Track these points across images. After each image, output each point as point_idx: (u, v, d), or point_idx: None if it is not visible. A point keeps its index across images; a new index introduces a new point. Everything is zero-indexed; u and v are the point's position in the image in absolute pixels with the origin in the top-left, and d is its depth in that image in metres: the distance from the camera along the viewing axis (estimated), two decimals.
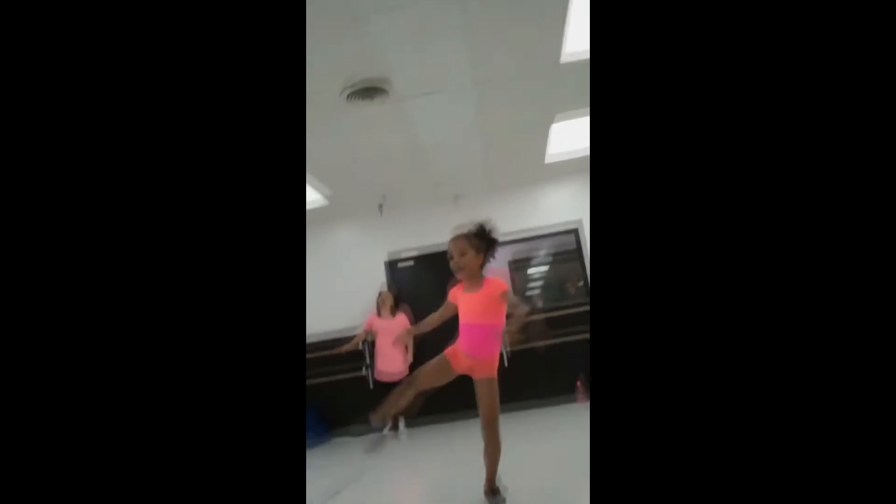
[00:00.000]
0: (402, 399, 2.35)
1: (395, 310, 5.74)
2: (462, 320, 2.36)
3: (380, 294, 5.82)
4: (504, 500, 2.26)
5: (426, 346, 2.57)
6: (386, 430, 5.66)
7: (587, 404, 5.37)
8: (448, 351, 2.35)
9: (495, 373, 2.33)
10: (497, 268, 2.40)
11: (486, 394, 2.29)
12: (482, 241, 2.38)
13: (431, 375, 2.33)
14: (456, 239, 2.37)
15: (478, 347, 2.30)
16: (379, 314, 5.74)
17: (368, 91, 3.69)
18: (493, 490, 2.30)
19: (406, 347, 5.60)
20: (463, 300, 2.35)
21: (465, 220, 2.45)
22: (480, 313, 2.30)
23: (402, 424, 5.67)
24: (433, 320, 2.46)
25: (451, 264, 2.36)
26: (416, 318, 5.78)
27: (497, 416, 2.30)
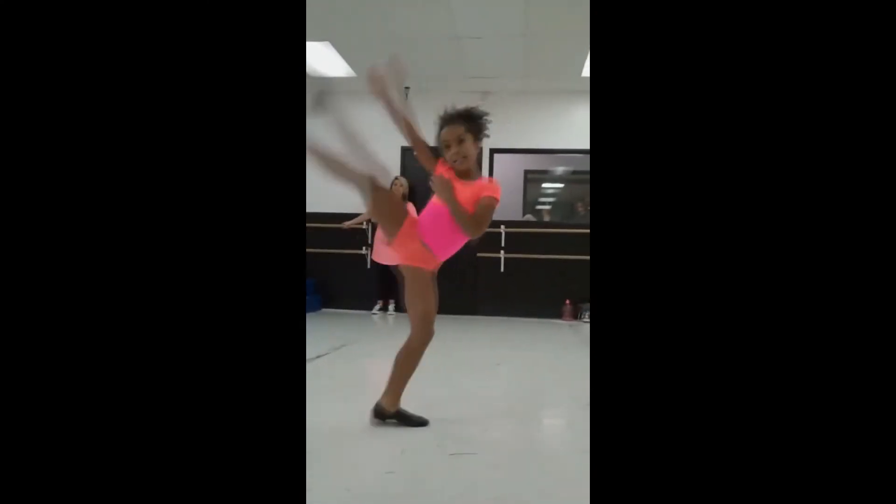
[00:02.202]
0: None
1: (405, 199, 5.74)
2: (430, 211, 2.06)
3: (395, 179, 5.78)
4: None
5: None
6: (376, 309, 5.86)
7: (570, 322, 5.52)
8: (421, 266, 2.01)
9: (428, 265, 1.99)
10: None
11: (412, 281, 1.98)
12: (476, 125, 2.00)
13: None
14: (452, 125, 1.98)
15: (444, 243, 2.01)
16: None
17: None
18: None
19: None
20: (457, 189, 1.95)
21: (490, 116, 2.12)
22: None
23: (392, 307, 5.85)
24: (419, 142, 2.17)
25: (449, 154, 1.98)
26: (419, 212, 5.79)
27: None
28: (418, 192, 5.90)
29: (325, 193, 6.17)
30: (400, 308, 5.81)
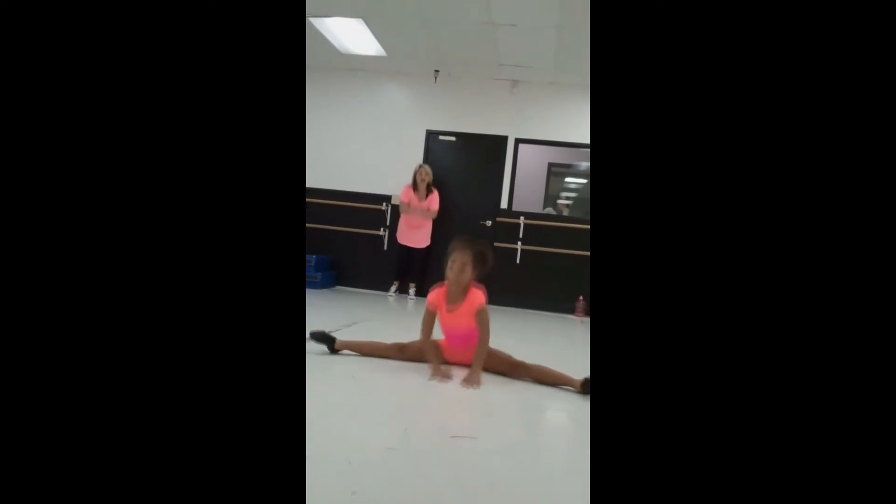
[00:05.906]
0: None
1: (429, 188, 5.71)
2: (446, 332, 2.61)
3: (420, 168, 5.74)
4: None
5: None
6: (392, 290, 5.87)
7: (583, 318, 5.50)
8: (441, 342, 2.62)
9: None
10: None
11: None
12: (483, 265, 2.53)
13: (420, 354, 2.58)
14: (462, 253, 2.50)
15: (465, 350, 2.53)
16: (415, 188, 5.72)
17: None
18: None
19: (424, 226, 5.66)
20: (445, 316, 2.56)
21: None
22: (463, 325, 2.53)
23: (412, 291, 5.82)
24: (425, 334, 2.60)
25: (450, 273, 2.51)
26: (441, 199, 5.78)
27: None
28: (441, 180, 5.89)
29: (344, 171, 6.22)
30: (421, 293, 5.82)
